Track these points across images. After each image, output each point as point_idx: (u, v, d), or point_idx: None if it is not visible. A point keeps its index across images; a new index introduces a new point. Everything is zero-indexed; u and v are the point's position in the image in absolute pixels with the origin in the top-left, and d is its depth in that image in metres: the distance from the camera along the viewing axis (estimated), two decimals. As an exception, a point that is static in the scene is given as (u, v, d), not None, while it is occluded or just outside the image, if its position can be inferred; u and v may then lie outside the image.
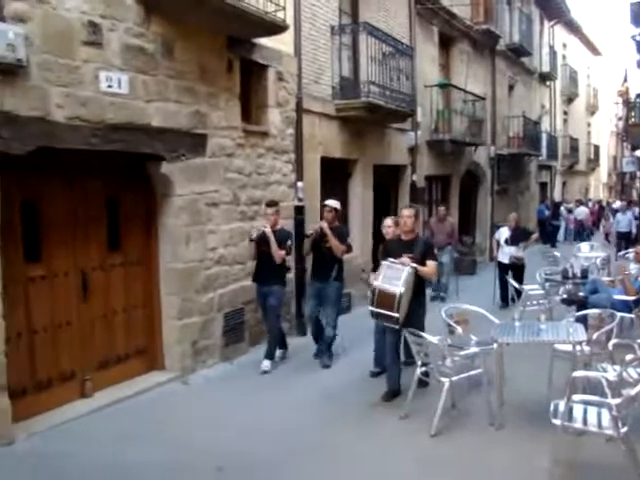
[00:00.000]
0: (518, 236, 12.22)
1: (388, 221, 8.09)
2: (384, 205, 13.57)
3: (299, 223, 9.78)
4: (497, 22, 18.77)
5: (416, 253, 6.71)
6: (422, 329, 6.59)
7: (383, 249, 7.31)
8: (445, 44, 16.81)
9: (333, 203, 8.31)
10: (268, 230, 7.90)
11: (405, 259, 6.57)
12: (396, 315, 6.26)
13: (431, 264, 6.82)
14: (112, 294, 7.19)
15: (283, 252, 7.97)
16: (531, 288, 10.41)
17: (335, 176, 11.68)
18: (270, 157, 9.29)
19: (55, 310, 6.51)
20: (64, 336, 6.59)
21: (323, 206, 8.37)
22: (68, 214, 6.62)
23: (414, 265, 6.54)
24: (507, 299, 11.92)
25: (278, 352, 8.42)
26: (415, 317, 6.67)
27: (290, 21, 8.89)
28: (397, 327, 6.45)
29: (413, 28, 14.23)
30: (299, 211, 9.89)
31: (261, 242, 7.95)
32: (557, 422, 4.91)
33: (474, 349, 6.58)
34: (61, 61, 6.06)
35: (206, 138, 7.91)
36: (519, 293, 11.35)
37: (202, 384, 7.57)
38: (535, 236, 13.27)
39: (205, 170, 7.94)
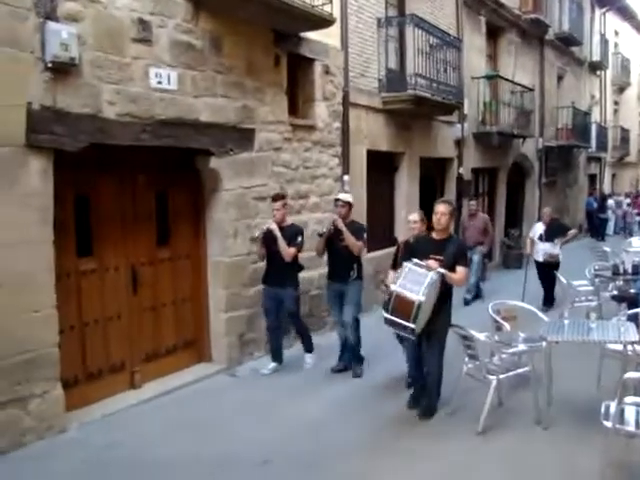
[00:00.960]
0: (553, 232, 11.25)
1: (415, 216, 7.21)
2: (430, 199, 13.43)
3: (345, 217, 9.75)
4: (546, 11, 18.43)
5: (446, 256, 5.92)
6: (443, 341, 6.13)
7: (406, 247, 6.70)
8: (493, 34, 16.54)
9: (346, 197, 7.70)
10: (274, 226, 7.26)
11: (432, 262, 5.80)
12: (411, 326, 5.60)
13: (461, 270, 5.98)
14: (161, 287, 7.30)
15: (293, 250, 7.33)
16: (580, 284, 10.07)
17: (381, 169, 11.65)
18: (317, 151, 9.31)
19: (106, 303, 6.64)
20: (114, 328, 6.72)
21: (335, 200, 7.69)
22: (118, 209, 6.74)
23: (442, 270, 5.80)
24: (552, 301, 11.18)
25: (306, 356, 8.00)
26: (437, 327, 6.02)
27: (337, 14, 8.86)
28: (413, 338, 5.91)
29: (460, 19, 14.06)
30: (345, 205, 9.86)
31: (269, 241, 7.33)
32: (608, 424, 4.81)
33: (522, 347, 6.50)
34: (112, 58, 6.16)
35: (254, 132, 7.96)
36: (549, 297, 11.14)
37: (249, 376, 7.65)
38: (573, 232, 11.87)
39: (253, 164, 7.99)
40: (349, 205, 7.54)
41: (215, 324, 7.83)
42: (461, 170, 14.39)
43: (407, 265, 5.79)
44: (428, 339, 6.07)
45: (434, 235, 6.20)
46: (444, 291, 5.96)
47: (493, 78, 15.45)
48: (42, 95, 5.58)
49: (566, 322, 6.56)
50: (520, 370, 6.25)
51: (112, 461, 5.37)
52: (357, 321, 7.60)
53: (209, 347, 7.88)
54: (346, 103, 9.93)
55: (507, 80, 15.93)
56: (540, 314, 7.06)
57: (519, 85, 16.38)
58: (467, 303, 11.52)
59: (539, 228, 11.52)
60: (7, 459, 5.26)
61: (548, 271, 10.92)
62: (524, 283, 11.37)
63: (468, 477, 5.20)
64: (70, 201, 6.23)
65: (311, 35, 8.86)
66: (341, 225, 7.30)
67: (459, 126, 14.05)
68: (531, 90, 17.15)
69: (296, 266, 7.59)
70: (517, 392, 6.69)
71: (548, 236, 11.24)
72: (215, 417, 6.32)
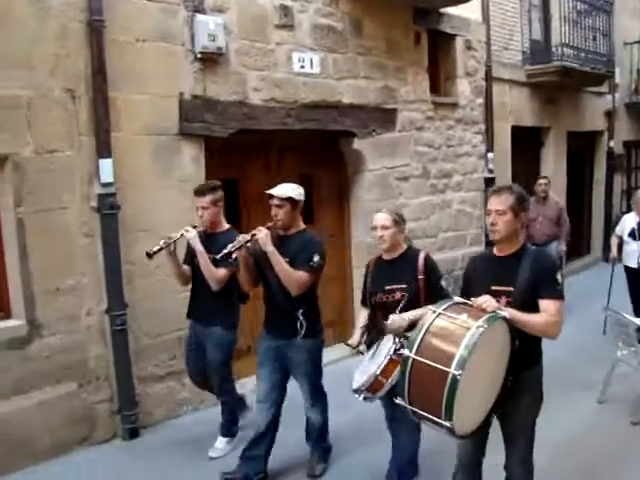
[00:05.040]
0: None
1: (382, 218, 4.24)
2: (578, 175, 12.91)
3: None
4: None
5: (518, 284, 3.36)
6: (529, 432, 3.60)
7: (373, 269, 4.43)
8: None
9: (284, 190, 4.45)
10: (191, 234, 4.76)
11: (489, 301, 3.18)
12: (446, 424, 2.99)
13: (550, 307, 3.30)
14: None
15: (222, 272, 4.75)
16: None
17: (526, 145, 11.27)
18: (460, 128, 9.14)
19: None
20: (249, 310, 6.91)
21: (269, 197, 4.48)
22: (265, 192, 6.91)
23: (505, 313, 3.17)
24: None
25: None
26: (517, 412, 3.50)
27: (477, -13, 8.66)
28: (457, 439, 3.24)
29: (611, -19, 13.29)
30: (489, 183, 9.64)
31: (193, 254, 4.90)
32: None
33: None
34: (257, 46, 6.33)
35: (396, 112, 7.93)
36: None
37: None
38: None
39: (395, 144, 7.98)
40: (291, 204, 4.43)
41: (359, 304, 7.88)
42: (612, 144, 13.63)
43: (430, 309, 3.24)
44: (504, 428, 3.60)
45: (495, 250, 3.59)
46: (524, 347, 3.30)
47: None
48: (193, 85, 5.84)
49: None
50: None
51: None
52: (321, 394, 4.79)
53: (352, 327, 7.94)
54: (489, 78, 9.65)
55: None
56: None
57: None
58: None
59: (629, 221, 8.14)
60: (165, 426, 5.61)
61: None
62: (609, 294, 8.21)
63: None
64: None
65: (451, 10, 8.67)
66: (264, 241, 4.27)
67: (609, 97, 13.31)
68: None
69: (232, 295, 4.97)
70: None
71: None
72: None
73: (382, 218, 4.20)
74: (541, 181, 9.16)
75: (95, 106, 5.18)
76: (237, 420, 5.39)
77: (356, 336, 4.40)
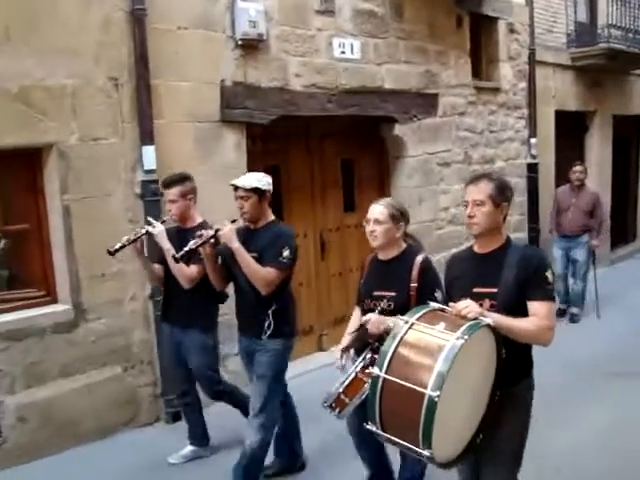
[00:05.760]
0: None
1: (378, 210, 3.67)
2: (624, 160, 12.65)
3: (532, 182, 9.43)
4: None
5: (502, 285, 2.95)
6: (514, 455, 3.06)
7: (369, 270, 3.88)
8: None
9: (250, 180, 4.10)
10: (158, 229, 4.42)
11: (470, 306, 2.74)
12: (425, 453, 2.55)
13: (540, 311, 2.89)
14: (347, 254, 7.46)
15: (193, 269, 4.39)
16: None
17: (570, 130, 11.08)
18: (502, 113, 9.03)
19: (297, 269, 6.88)
20: (304, 293, 6.96)
21: (234, 189, 4.09)
22: (306, 178, 6.96)
23: (488, 320, 2.72)
24: None
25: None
26: (502, 434, 2.96)
27: (521, -32, 8.51)
28: (439, 467, 2.74)
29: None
30: (532, 169, 9.52)
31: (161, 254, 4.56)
32: None
33: None
34: (297, 32, 6.33)
35: (437, 98, 7.87)
36: None
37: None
38: None
39: (436, 130, 7.92)
40: (258, 195, 4.06)
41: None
42: (660, 127, 13.33)
43: (400, 320, 2.76)
44: (483, 451, 2.98)
45: (476, 247, 3.17)
46: (513, 358, 2.87)
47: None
48: (234, 72, 5.87)
49: None
50: None
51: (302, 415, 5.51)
52: (272, 417, 4.18)
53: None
54: (532, 62, 9.51)
55: None
56: None
57: None
58: (575, 320, 8.34)
59: None
60: (206, 410, 5.68)
61: None
62: None
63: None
64: (262, 171, 6.49)
65: (494, -7, 8.57)
66: (228, 237, 3.94)
67: (657, 79, 13.00)
68: None
69: (208, 294, 4.48)
70: None
71: None
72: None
73: (376, 211, 3.64)
74: (576, 168, 8.40)
75: (138, 94, 5.24)
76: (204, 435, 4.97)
77: (345, 341, 3.79)
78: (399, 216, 3.65)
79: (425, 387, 2.48)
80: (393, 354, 2.64)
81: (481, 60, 8.94)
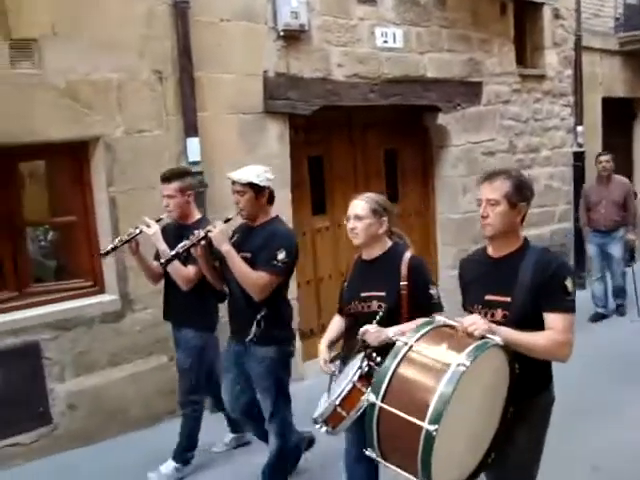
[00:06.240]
0: None
1: (359, 206, 3.40)
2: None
3: (578, 170, 9.25)
4: None
5: (517, 293, 2.67)
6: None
7: (353, 271, 3.56)
8: None
9: (247, 174, 3.83)
10: (152, 229, 4.14)
11: (476, 323, 2.48)
12: None
13: (556, 324, 2.61)
14: (390, 244, 7.42)
15: (191, 270, 4.16)
16: None
17: (618, 117, 10.84)
18: (547, 101, 8.88)
19: (338, 259, 6.90)
20: (346, 283, 6.98)
21: (232, 182, 3.87)
22: (349, 168, 6.96)
23: (500, 337, 2.46)
24: None
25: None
26: (511, 452, 2.71)
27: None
28: None
29: None
30: (579, 157, 9.34)
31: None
32: None
33: None
34: (339, 22, 6.33)
35: (481, 86, 7.77)
36: None
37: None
38: None
39: (480, 119, 7.83)
40: (254, 190, 3.81)
41: (443, 280, 7.83)
42: None
43: (402, 340, 2.51)
44: (495, 471, 2.79)
45: (489, 249, 2.89)
46: (528, 371, 2.62)
47: None
48: (276, 63, 5.89)
49: None
50: None
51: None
52: (285, 423, 4.04)
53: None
54: (578, 48, 9.30)
55: None
56: None
57: None
58: (621, 312, 7.98)
59: None
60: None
61: None
62: None
63: None
64: (304, 162, 6.54)
65: (539, -22, 8.42)
66: (218, 239, 3.74)
67: None
68: None
69: (205, 294, 4.28)
70: None
71: None
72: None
73: (356, 206, 3.36)
74: (602, 157, 7.70)
75: (181, 86, 5.29)
76: (193, 445, 4.61)
77: (324, 353, 3.43)
78: (381, 211, 3.35)
79: (423, 419, 2.28)
80: (390, 381, 2.42)
81: (526, 47, 8.80)
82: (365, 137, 7.06)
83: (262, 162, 5.70)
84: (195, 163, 5.33)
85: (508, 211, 2.73)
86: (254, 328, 3.76)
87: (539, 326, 2.63)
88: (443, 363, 2.35)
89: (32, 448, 4.87)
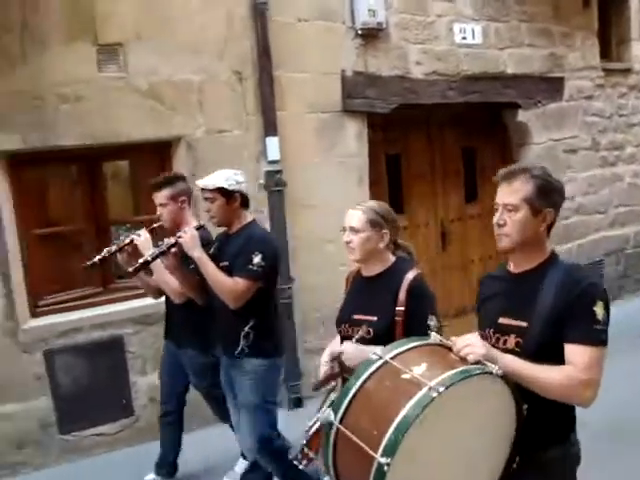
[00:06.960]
0: None
1: (356, 217, 2.93)
2: None
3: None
4: None
5: (535, 320, 2.16)
6: None
7: (350, 287, 3.16)
8: None
9: (215, 179, 3.69)
10: (142, 238, 3.87)
11: (472, 345, 2.05)
12: None
13: (579, 357, 2.07)
14: (469, 245, 7.34)
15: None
16: None
17: None
18: (633, 96, 8.57)
19: (418, 259, 6.84)
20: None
21: (202, 190, 3.74)
22: (427, 166, 6.91)
23: (499, 366, 1.97)
24: None
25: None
26: None
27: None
28: None
29: None
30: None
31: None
32: None
33: None
34: (417, 19, 6.29)
35: (563, 81, 7.57)
36: None
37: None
38: None
39: (562, 115, 7.63)
40: (225, 196, 3.67)
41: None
42: None
43: (377, 354, 2.14)
44: None
45: (511, 264, 2.41)
46: (542, 413, 2.14)
47: None
48: (354, 61, 5.90)
49: None
50: None
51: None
52: (268, 441, 3.81)
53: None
54: (667, 39, 8.97)
55: None
56: None
57: None
58: None
59: None
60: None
61: None
62: None
63: None
64: (382, 160, 6.53)
65: (625, -33, 8.15)
66: (189, 246, 3.58)
67: None
68: None
69: (202, 309, 3.95)
70: None
71: None
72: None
73: (352, 217, 2.92)
74: None
75: (261, 86, 5.37)
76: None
77: (321, 375, 2.89)
78: (381, 222, 2.91)
79: (375, 450, 1.87)
80: (353, 397, 2.05)
81: (610, 40, 8.51)
82: (443, 135, 7.00)
83: (341, 161, 5.81)
84: (274, 162, 5.40)
85: (530, 218, 2.23)
86: (242, 341, 3.61)
87: (561, 361, 2.10)
88: (414, 384, 1.94)
89: (115, 438, 5.07)
